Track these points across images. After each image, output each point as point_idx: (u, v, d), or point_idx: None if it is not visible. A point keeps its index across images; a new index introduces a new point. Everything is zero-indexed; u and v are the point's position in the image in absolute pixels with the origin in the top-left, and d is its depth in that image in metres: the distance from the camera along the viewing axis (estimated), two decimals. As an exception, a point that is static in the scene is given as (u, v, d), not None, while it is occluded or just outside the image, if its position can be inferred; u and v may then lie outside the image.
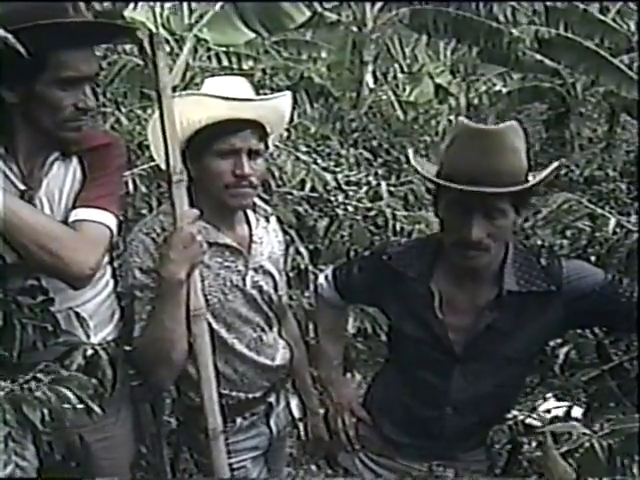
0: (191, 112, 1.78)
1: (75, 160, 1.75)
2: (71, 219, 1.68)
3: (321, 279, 2.21)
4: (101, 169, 1.75)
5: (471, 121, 1.73)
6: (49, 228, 1.59)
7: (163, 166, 1.91)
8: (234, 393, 1.96)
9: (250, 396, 1.99)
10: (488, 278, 1.81)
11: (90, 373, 1.52)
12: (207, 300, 1.84)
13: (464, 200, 1.67)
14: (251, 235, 1.98)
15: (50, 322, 1.56)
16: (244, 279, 1.93)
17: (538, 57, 9.85)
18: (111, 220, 1.71)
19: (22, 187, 1.66)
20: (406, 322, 1.91)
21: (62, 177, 1.72)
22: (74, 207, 1.70)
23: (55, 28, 1.54)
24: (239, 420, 1.99)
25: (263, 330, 2.01)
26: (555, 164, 1.79)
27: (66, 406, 1.26)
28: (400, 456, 2.00)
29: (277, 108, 1.92)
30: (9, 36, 1.28)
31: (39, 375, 1.30)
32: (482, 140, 1.65)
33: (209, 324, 1.82)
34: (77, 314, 1.67)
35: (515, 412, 1.99)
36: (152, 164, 2.99)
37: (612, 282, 1.75)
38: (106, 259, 1.85)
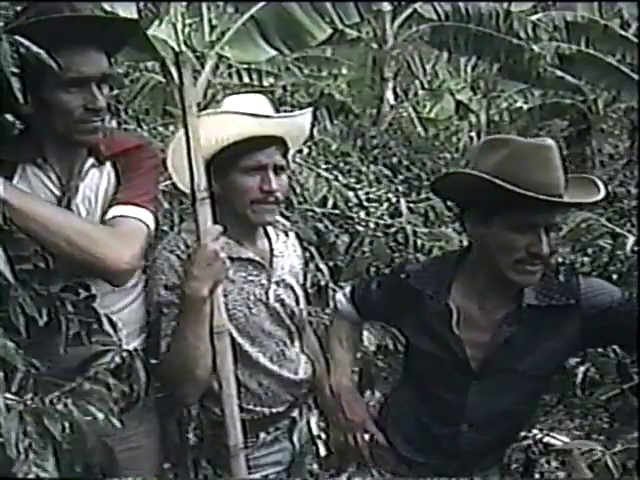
0: (219, 129, 1.80)
1: (108, 164, 1.77)
2: (107, 217, 1.68)
3: (339, 295, 2.22)
4: (134, 170, 1.76)
5: None
6: (80, 227, 1.59)
7: (180, 185, 1.94)
8: (259, 408, 1.97)
9: (274, 410, 2.00)
10: (510, 294, 1.82)
11: (122, 377, 1.54)
12: (232, 314, 1.86)
13: (530, 217, 1.68)
14: (272, 249, 1.99)
15: (94, 318, 1.56)
16: (267, 293, 1.95)
17: (559, 73, 9.84)
18: (147, 216, 1.71)
19: (58, 194, 1.68)
20: (422, 339, 1.92)
21: (96, 182, 1.74)
22: (110, 207, 1.71)
23: (49, 27, 1.52)
24: (262, 435, 1.99)
25: (285, 344, 2.03)
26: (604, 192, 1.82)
27: (87, 419, 1.27)
28: (414, 474, 1.98)
29: (300, 124, 1.96)
30: (42, 52, 1.31)
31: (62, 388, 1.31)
32: (543, 154, 1.69)
33: (233, 338, 1.83)
34: (110, 320, 1.63)
35: (534, 431, 1.99)
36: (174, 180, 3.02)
37: (630, 300, 1.75)
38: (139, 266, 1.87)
